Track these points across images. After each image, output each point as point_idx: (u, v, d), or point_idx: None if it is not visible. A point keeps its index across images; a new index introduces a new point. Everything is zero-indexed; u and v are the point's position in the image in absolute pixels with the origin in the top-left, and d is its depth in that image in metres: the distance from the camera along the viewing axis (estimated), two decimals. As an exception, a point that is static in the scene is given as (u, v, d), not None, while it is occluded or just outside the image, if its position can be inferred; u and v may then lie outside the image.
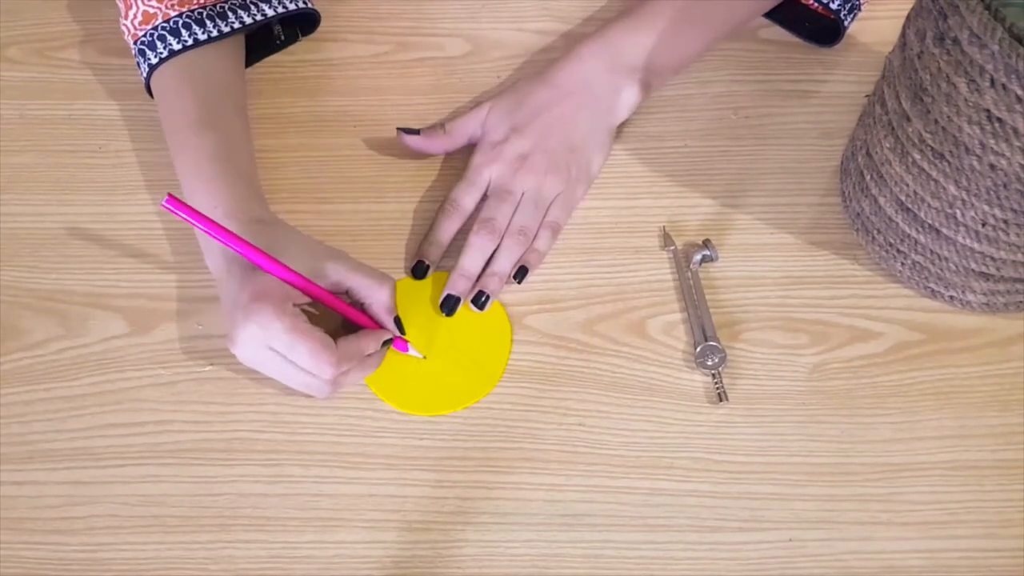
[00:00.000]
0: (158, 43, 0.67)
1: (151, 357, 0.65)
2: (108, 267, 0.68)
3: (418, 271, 0.67)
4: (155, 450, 0.63)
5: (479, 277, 0.67)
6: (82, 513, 0.61)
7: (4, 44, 0.77)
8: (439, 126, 0.71)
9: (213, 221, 0.58)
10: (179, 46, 0.66)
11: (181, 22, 0.67)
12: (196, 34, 0.67)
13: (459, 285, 0.66)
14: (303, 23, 0.76)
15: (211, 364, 0.65)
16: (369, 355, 0.62)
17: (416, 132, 0.71)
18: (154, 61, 0.67)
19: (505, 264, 0.67)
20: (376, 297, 0.61)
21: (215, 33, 0.67)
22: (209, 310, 0.67)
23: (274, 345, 0.58)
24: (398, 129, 0.71)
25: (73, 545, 0.60)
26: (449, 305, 0.66)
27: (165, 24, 0.67)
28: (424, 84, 0.75)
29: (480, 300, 0.66)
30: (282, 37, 0.76)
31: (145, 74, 0.68)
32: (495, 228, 0.67)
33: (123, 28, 0.68)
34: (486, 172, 0.68)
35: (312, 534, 0.61)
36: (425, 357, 0.65)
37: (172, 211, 0.56)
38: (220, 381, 0.65)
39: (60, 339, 0.66)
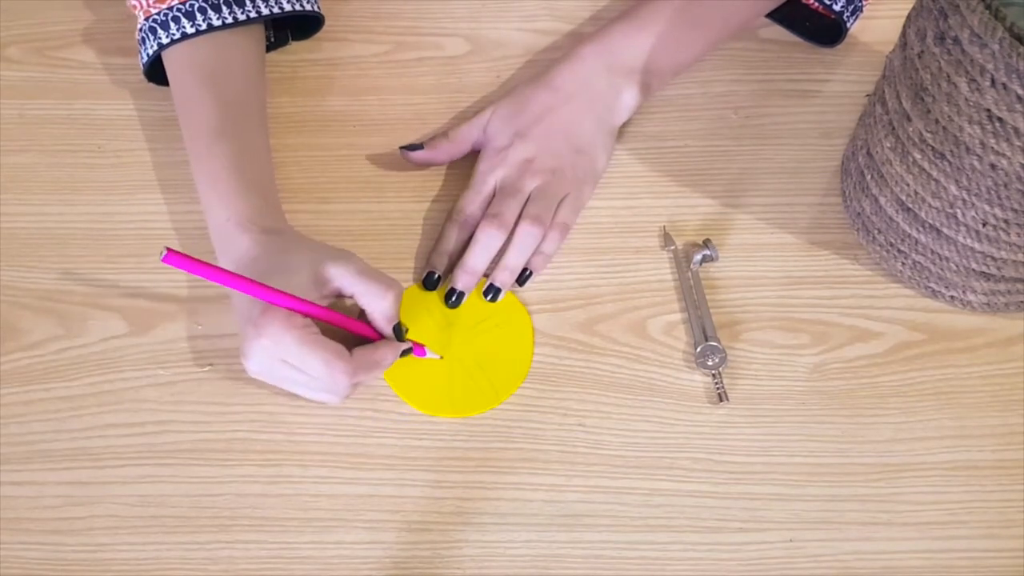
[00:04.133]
0: (171, 24, 0.66)
1: (151, 357, 0.65)
2: (108, 267, 0.68)
3: (428, 283, 0.67)
4: (154, 450, 0.63)
5: (493, 270, 0.67)
6: (81, 513, 0.61)
7: (4, 44, 0.77)
8: (441, 135, 0.71)
9: (209, 267, 0.55)
10: (192, 30, 0.66)
11: (197, 5, 0.66)
12: (211, 19, 0.66)
13: (463, 281, 0.66)
14: (297, 28, 0.76)
15: (211, 364, 0.65)
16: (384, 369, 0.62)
17: (419, 147, 0.70)
18: (165, 41, 0.66)
19: (517, 257, 0.67)
20: (377, 306, 0.60)
21: (230, 20, 0.66)
22: (209, 310, 0.67)
23: (287, 358, 0.58)
24: (400, 148, 0.71)
25: (72, 545, 0.60)
26: (452, 299, 0.66)
27: (181, 6, 0.66)
28: (424, 84, 0.75)
29: (490, 294, 0.66)
30: (272, 39, 0.75)
31: (152, 51, 0.67)
32: (503, 222, 0.66)
33: (133, 3, 0.67)
34: (491, 178, 0.68)
35: (311, 535, 0.61)
36: (442, 357, 0.65)
37: (173, 265, 0.53)
38: (219, 381, 0.65)
39: (59, 339, 0.66)
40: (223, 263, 0.63)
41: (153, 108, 0.74)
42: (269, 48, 0.75)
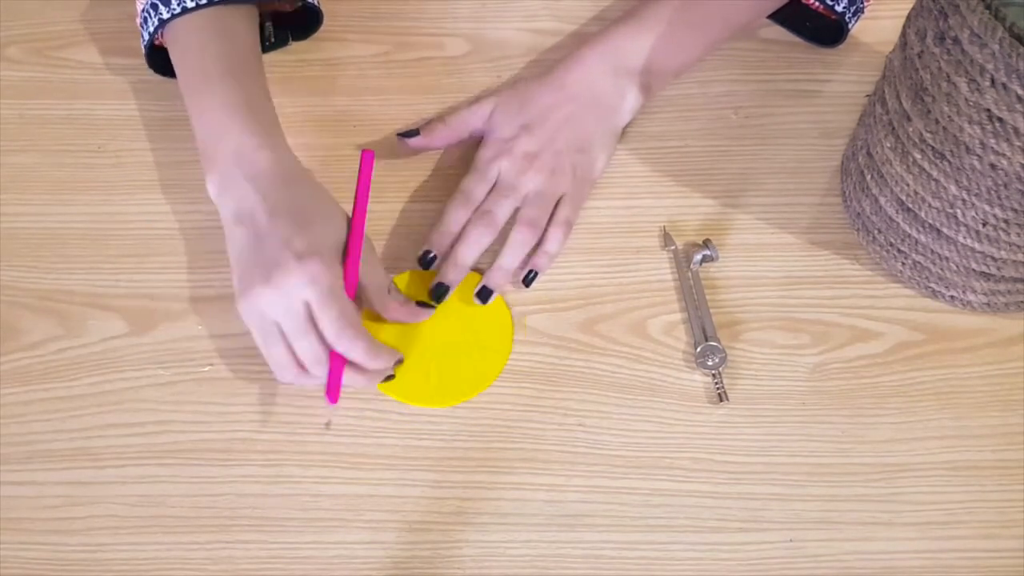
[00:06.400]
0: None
1: (151, 357, 0.65)
2: (108, 267, 0.68)
3: (425, 260, 0.67)
4: (154, 450, 0.63)
5: (486, 271, 0.67)
6: (81, 513, 0.61)
7: (4, 44, 0.77)
8: (438, 120, 0.71)
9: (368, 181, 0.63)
10: (192, 3, 0.65)
11: None
12: None
13: (450, 275, 0.66)
14: (296, 27, 0.76)
15: (211, 364, 0.65)
16: (371, 370, 0.62)
17: (415, 133, 0.71)
18: (166, 16, 0.65)
19: (512, 259, 0.67)
20: (371, 280, 0.63)
21: None
22: (209, 310, 0.67)
23: (310, 296, 0.58)
24: (398, 135, 0.71)
25: (72, 545, 0.60)
26: (438, 293, 0.66)
27: None
28: (424, 84, 0.75)
29: (483, 294, 0.66)
30: (272, 39, 0.75)
31: (154, 27, 0.67)
32: (492, 221, 0.66)
33: None
34: (495, 166, 0.68)
35: (312, 534, 0.61)
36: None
37: (365, 164, 0.57)
38: (220, 381, 0.65)
39: (59, 339, 0.66)
40: (240, 182, 0.62)
41: (154, 108, 0.74)
42: (269, 48, 0.75)
